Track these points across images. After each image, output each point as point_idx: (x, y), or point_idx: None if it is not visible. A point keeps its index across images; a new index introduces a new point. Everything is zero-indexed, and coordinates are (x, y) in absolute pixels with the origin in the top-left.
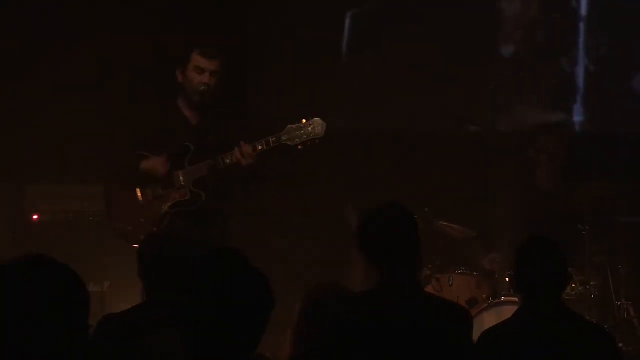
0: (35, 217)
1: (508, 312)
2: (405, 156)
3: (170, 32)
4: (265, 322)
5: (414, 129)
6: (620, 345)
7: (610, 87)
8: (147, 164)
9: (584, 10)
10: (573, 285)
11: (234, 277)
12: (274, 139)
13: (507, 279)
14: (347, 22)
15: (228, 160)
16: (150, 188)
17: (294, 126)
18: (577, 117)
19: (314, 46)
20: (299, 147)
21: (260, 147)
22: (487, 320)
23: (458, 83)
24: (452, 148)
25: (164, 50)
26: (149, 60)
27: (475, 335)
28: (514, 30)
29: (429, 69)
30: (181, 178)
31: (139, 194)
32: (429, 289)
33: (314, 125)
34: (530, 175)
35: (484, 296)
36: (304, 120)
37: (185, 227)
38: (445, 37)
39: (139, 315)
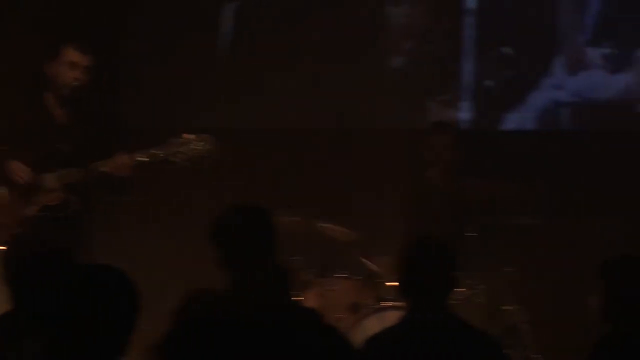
0: None
1: (392, 317)
2: (287, 156)
3: (40, 23)
4: (131, 328)
5: (295, 128)
6: (507, 351)
7: (499, 84)
8: (8, 166)
9: (472, 3)
10: (459, 289)
11: (98, 285)
12: (158, 153)
13: (392, 283)
14: (227, 16)
15: (104, 168)
16: (16, 188)
17: (180, 140)
18: (466, 115)
19: (191, 43)
20: (186, 164)
21: (139, 159)
22: (370, 326)
23: (344, 80)
24: (336, 147)
25: (33, 43)
26: (14, 52)
27: (358, 341)
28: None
29: (313, 67)
30: (50, 181)
31: (3, 194)
32: (310, 294)
33: (204, 142)
34: (419, 174)
35: (367, 301)
36: (192, 135)
37: (53, 233)
38: (329, 33)
39: (4, 324)
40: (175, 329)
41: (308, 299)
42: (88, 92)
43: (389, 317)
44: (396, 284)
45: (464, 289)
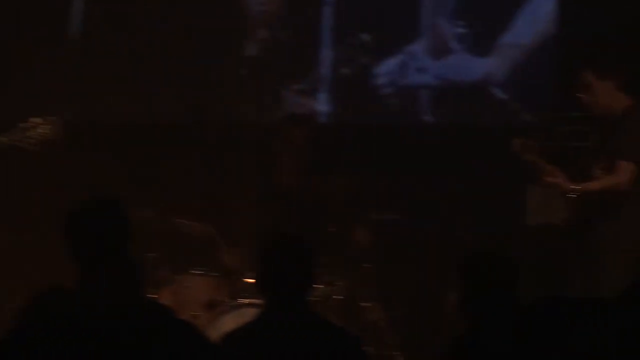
0: None
1: (250, 315)
2: (139, 149)
3: None
4: None
5: (148, 121)
6: (367, 349)
7: (358, 76)
8: None
9: None
10: (318, 286)
11: None
12: (3, 139)
13: (249, 280)
14: (77, 8)
15: None
16: None
17: (27, 125)
18: (324, 107)
19: (39, 34)
20: (33, 148)
21: None
22: (227, 323)
23: (199, 72)
24: (192, 141)
25: None
26: None
27: (215, 339)
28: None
29: (165, 58)
30: None
31: None
32: (165, 291)
33: (52, 125)
34: (275, 168)
35: (223, 298)
36: (38, 119)
37: None
38: (184, 22)
39: None
40: (17, 329)
41: (163, 296)
42: None
43: (247, 314)
44: (253, 280)
45: (323, 286)
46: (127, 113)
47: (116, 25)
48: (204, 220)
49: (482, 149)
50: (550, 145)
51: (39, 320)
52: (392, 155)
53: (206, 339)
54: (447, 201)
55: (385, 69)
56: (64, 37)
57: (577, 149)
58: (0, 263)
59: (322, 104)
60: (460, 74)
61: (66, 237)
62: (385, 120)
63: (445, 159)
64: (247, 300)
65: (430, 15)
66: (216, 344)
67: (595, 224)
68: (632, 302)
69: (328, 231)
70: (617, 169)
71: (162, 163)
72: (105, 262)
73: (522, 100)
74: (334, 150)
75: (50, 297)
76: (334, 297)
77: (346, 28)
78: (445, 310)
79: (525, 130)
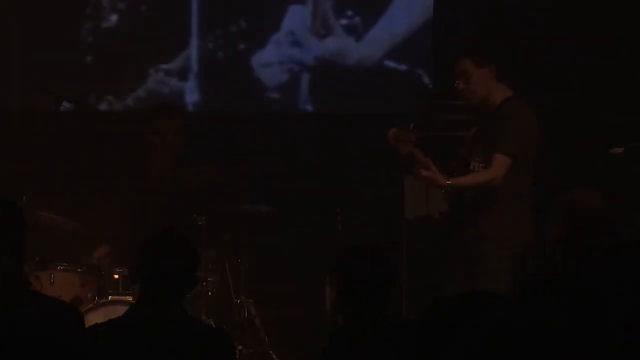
0: None
1: (117, 312)
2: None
3: None
4: None
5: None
6: (240, 347)
7: (227, 64)
8: None
9: None
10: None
11: None
12: None
13: (116, 276)
14: None
15: None
16: None
17: None
18: (191, 97)
19: None
20: None
21: None
22: (94, 321)
23: (53, 57)
24: (52, 129)
25: None
26: None
27: None
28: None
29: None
30: None
31: None
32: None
33: None
34: (143, 160)
35: (90, 295)
36: None
37: None
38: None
39: None
40: None
41: None
42: None
43: (114, 312)
44: (118, 276)
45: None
46: None
47: None
48: (69, 213)
49: (360, 139)
50: (429, 135)
51: None
52: (267, 145)
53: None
54: (324, 193)
55: (263, 56)
56: None
57: (458, 139)
58: None
59: (192, 92)
60: (338, 56)
61: None
62: (262, 108)
63: (322, 149)
64: (115, 297)
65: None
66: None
67: (473, 218)
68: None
69: (198, 224)
70: (492, 162)
71: (24, 153)
72: None
73: (401, 88)
74: (205, 140)
75: None
76: (208, 293)
77: (219, 14)
78: (321, 308)
79: (404, 118)
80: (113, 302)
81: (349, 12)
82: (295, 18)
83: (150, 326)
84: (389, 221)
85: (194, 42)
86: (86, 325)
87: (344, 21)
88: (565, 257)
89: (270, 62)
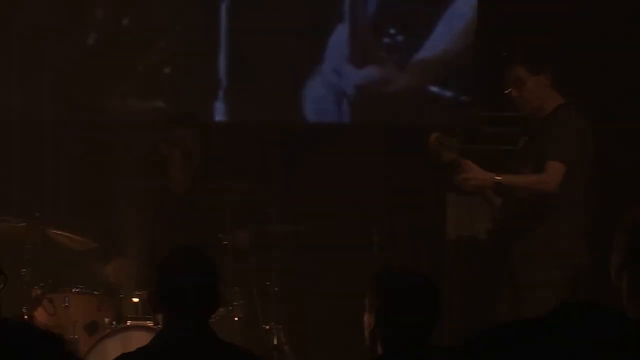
0: None
1: (136, 339)
2: (5, 149)
3: None
4: None
5: (21, 118)
6: None
7: (256, 75)
8: None
9: None
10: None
11: None
12: None
13: (136, 300)
14: None
15: None
16: None
17: None
18: (219, 108)
19: None
20: None
21: None
22: (112, 348)
23: (70, 66)
24: (66, 140)
25: None
26: None
27: None
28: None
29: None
30: None
31: None
32: (39, 311)
33: None
34: (162, 174)
35: (107, 320)
36: None
37: None
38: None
39: None
40: None
41: (38, 317)
42: None
43: (133, 338)
44: (138, 300)
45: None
46: None
47: None
48: (84, 231)
49: (398, 152)
50: (474, 148)
51: None
52: (298, 160)
53: None
54: (360, 211)
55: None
56: None
57: (505, 153)
58: None
59: (219, 103)
60: (380, 84)
61: None
62: (293, 120)
63: (359, 163)
64: (134, 323)
65: (353, 22)
66: None
67: (521, 235)
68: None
69: (223, 244)
70: (545, 169)
71: (34, 165)
72: None
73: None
74: (232, 154)
75: None
76: (234, 318)
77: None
78: (358, 335)
79: (448, 130)
80: (132, 328)
81: (391, 36)
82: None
83: (183, 352)
84: (430, 241)
85: (223, 51)
86: (102, 351)
87: (386, 40)
88: (632, 284)
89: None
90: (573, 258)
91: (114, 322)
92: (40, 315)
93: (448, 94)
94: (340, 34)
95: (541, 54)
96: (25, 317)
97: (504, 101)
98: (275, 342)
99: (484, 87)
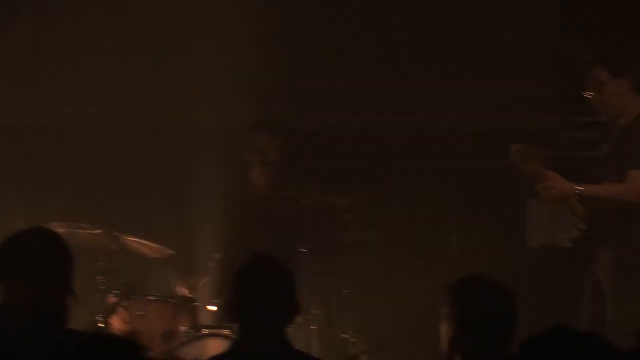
0: None
1: (212, 346)
2: (83, 156)
3: None
4: None
5: (95, 124)
6: None
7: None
8: None
9: None
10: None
11: None
12: None
13: (212, 308)
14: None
15: None
16: None
17: None
18: (297, 115)
19: None
20: None
21: None
22: (187, 356)
23: (154, 73)
24: (143, 148)
25: None
26: None
27: None
28: None
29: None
30: None
31: None
32: (115, 319)
33: None
34: (242, 181)
35: (183, 328)
36: None
37: None
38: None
39: None
40: None
41: (114, 325)
42: None
43: (209, 346)
44: (216, 308)
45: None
46: (68, 116)
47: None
48: (159, 238)
49: (478, 158)
50: (554, 154)
51: None
52: (375, 167)
53: None
54: (438, 218)
55: None
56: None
57: (587, 159)
58: None
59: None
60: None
61: None
62: (369, 127)
63: (437, 170)
64: (209, 331)
65: None
66: None
67: (606, 244)
68: None
69: (301, 251)
70: (628, 179)
71: (110, 173)
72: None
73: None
74: (310, 161)
75: None
76: (310, 327)
77: None
78: (437, 346)
79: (526, 135)
80: (207, 336)
81: None
82: None
83: None
84: (511, 249)
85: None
86: None
87: None
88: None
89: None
90: None
91: (190, 331)
92: (116, 323)
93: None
94: None
95: (623, 56)
96: (101, 324)
97: (584, 106)
98: (353, 351)
99: (564, 91)
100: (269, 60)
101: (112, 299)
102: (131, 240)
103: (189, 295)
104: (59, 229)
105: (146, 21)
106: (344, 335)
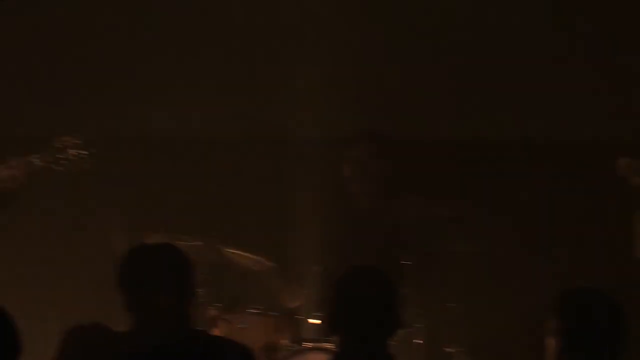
0: None
1: None
2: (186, 167)
3: None
4: None
5: (202, 135)
6: None
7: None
8: None
9: None
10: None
11: None
12: (34, 161)
13: (315, 321)
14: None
15: None
16: None
17: (59, 145)
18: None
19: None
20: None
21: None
22: None
23: (255, 84)
24: (248, 158)
25: None
26: None
27: None
28: None
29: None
30: None
31: None
32: (216, 332)
33: (84, 146)
34: (344, 192)
35: (285, 341)
36: (67, 138)
37: None
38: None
39: None
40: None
41: None
42: None
43: (311, 359)
44: (318, 321)
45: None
46: (162, 127)
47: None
48: (260, 250)
49: (582, 169)
50: None
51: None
52: (477, 176)
53: None
54: (544, 229)
55: None
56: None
57: None
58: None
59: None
60: None
61: (122, 281)
62: (469, 135)
63: (541, 179)
64: (311, 344)
65: None
66: None
67: None
68: None
69: (405, 263)
70: None
71: (211, 184)
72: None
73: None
74: (412, 170)
75: (91, 332)
76: (413, 340)
77: None
78: (544, 356)
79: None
80: (309, 350)
81: None
82: None
83: None
84: (617, 261)
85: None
86: None
87: None
88: None
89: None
90: None
91: (292, 344)
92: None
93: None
94: None
95: None
96: None
97: None
98: None
99: None
100: (372, 70)
101: (213, 311)
102: (232, 252)
103: (291, 308)
104: (160, 240)
105: (247, 31)
106: (448, 350)
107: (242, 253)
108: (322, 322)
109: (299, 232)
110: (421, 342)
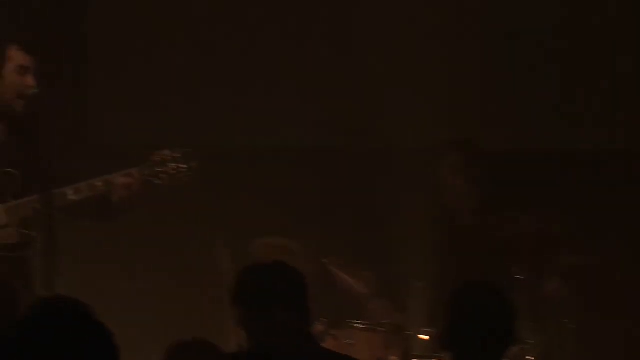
0: None
1: None
2: (283, 180)
3: None
4: None
5: (294, 145)
6: None
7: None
8: None
9: None
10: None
11: (70, 333)
12: (134, 174)
13: (425, 337)
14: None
15: (73, 196)
16: None
17: (159, 158)
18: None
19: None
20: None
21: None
22: None
23: (346, 92)
24: (341, 169)
25: None
26: None
27: None
28: None
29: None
30: (4, 216)
31: None
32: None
33: (188, 158)
34: (447, 204)
35: (394, 358)
36: (172, 151)
37: (8, 276)
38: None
39: None
40: None
41: None
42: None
43: None
44: (427, 337)
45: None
46: (268, 137)
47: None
48: (360, 265)
49: None
50: None
51: None
52: (580, 187)
53: None
54: None
55: None
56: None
57: None
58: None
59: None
60: None
61: (237, 305)
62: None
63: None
64: None
65: None
66: None
67: None
68: None
69: (518, 278)
70: None
71: (308, 195)
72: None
73: None
74: (515, 182)
75: (196, 349)
76: (526, 357)
77: None
78: None
79: None
80: None
81: None
82: None
83: None
84: None
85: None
86: None
87: None
88: None
89: None
90: None
91: None
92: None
93: None
94: None
95: None
96: None
97: None
98: None
99: None
100: (469, 79)
101: (319, 327)
102: (338, 273)
103: (399, 324)
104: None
105: (343, 41)
106: None
107: (346, 277)
108: (432, 338)
109: (404, 246)
110: (534, 358)
